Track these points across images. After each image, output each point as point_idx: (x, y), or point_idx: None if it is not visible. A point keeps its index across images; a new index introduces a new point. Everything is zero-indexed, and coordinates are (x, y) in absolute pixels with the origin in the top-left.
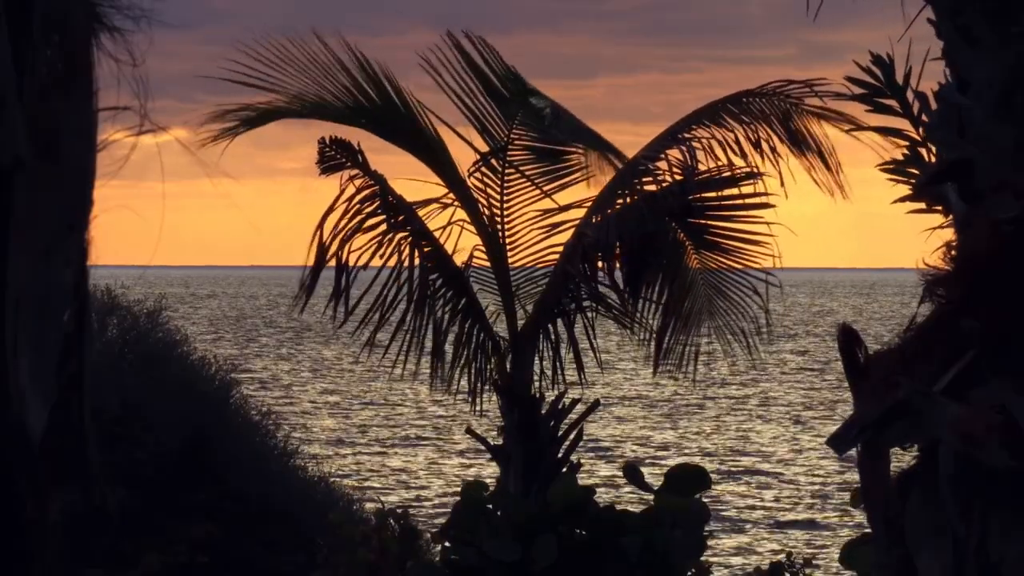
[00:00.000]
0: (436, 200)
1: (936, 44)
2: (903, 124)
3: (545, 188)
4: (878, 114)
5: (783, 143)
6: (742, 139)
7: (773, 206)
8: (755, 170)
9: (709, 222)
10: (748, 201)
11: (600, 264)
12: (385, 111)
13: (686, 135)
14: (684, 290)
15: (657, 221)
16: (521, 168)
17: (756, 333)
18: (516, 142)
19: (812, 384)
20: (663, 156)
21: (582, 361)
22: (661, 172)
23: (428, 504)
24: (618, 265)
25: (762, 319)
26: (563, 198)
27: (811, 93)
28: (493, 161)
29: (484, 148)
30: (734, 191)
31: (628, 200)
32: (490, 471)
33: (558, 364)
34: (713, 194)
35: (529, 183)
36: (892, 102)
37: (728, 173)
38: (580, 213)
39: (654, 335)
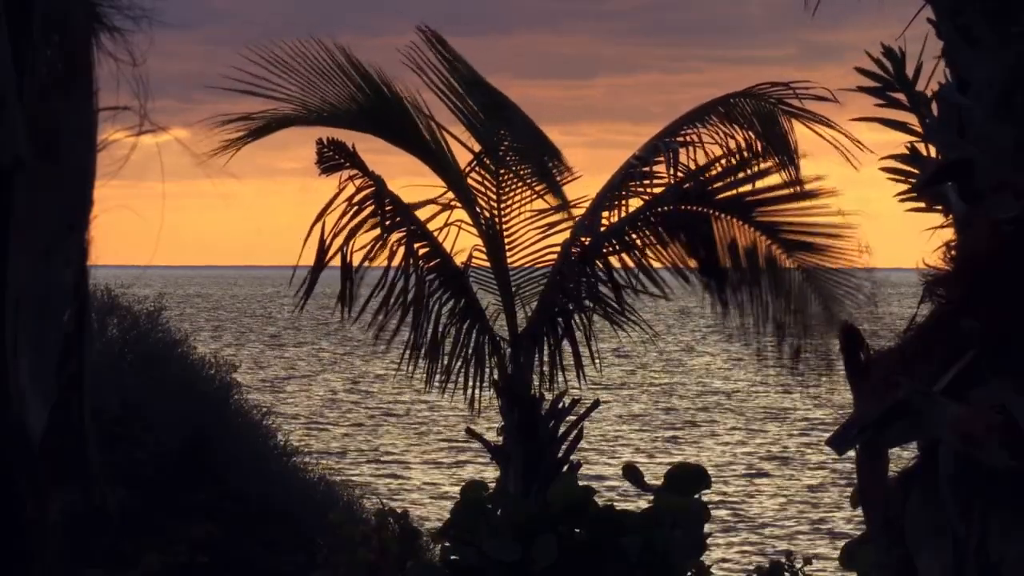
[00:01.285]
0: (435, 201)
1: (937, 44)
2: (909, 118)
3: (537, 188)
4: (886, 108)
5: (761, 142)
6: (737, 139)
7: (834, 192)
8: (762, 166)
9: (775, 217)
10: (804, 189)
11: (597, 265)
12: (386, 114)
13: (677, 138)
14: (790, 298)
15: (692, 216)
16: (513, 168)
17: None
18: (504, 143)
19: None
20: (655, 160)
21: (582, 360)
22: (656, 174)
23: (428, 504)
24: (690, 264)
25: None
26: (559, 197)
27: (793, 95)
28: (487, 161)
29: (477, 148)
30: (782, 178)
31: (624, 204)
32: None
33: (558, 364)
34: (766, 183)
35: (523, 183)
36: (901, 95)
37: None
38: (578, 212)
39: (780, 348)
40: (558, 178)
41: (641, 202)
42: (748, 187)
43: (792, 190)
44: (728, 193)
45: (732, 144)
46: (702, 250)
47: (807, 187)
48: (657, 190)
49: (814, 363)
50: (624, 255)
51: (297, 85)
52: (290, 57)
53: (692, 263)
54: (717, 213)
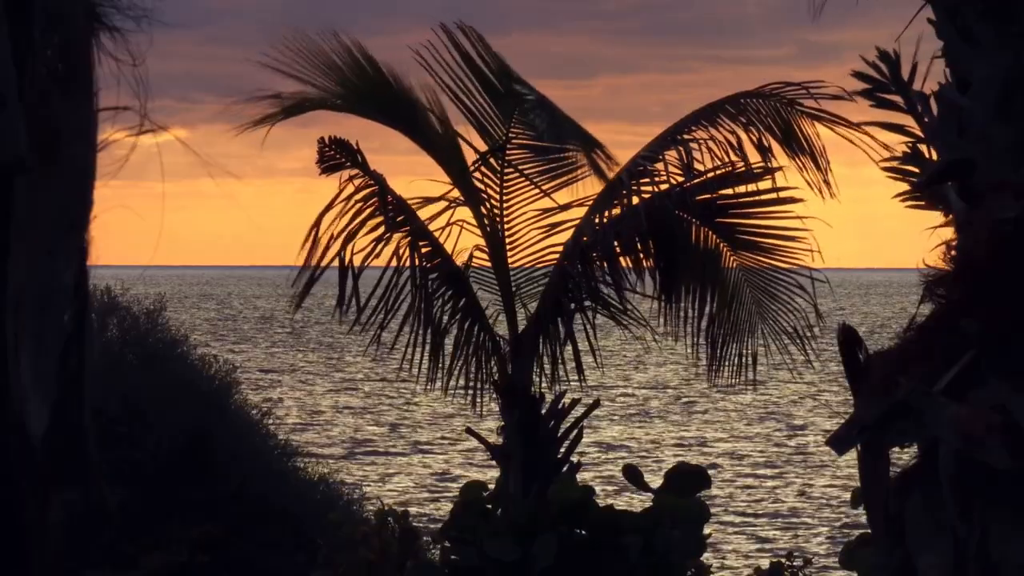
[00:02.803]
0: (441, 198)
1: (938, 43)
2: (906, 120)
3: (544, 187)
4: (882, 109)
5: (779, 144)
6: (744, 139)
7: (802, 200)
8: (771, 165)
9: (738, 220)
10: (775, 196)
11: (602, 263)
12: (402, 105)
13: (684, 136)
14: (727, 294)
15: (672, 221)
16: (519, 167)
17: (807, 332)
18: (514, 141)
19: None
20: (661, 157)
21: (581, 361)
22: (660, 173)
23: (428, 504)
24: (648, 267)
25: (810, 317)
26: (562, 197)
27: (807, 95)
28: (492, 160)
29: (483, 147)
30: (754, 187)
31: (626, 202)
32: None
33: (559, 363)
34: (733, 191)
35: (527, 182)
36: (897, 98)
37: (743, 168)
38: (580, 212)
39: (706, 344)
40: (607, 166)
41: (637, 200)
42: (729, 190)
43: (773, 195)
44: (705, 196)
45: (748, 144)
46: (662, 251)
47: (782, 195)
48: (663, 187)
49: (737, 360)
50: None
51: (319, 69)
52: (312, 45)
53: (649, 262)
54: (688, 217)
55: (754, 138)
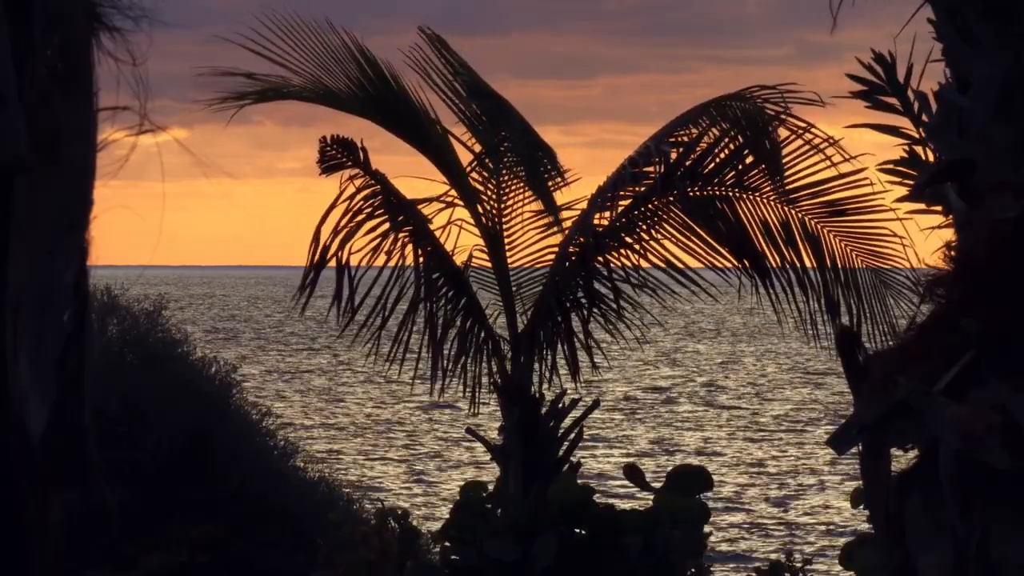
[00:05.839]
0: (438, 198)
1: (936, 44)
2: (902, 122)
3: (538, 189)
4: (877, 111)
5: (750, 148)
6: (729, 141)
7: (836, 139)
8: (778, 164)
9: (789, 184)
10: (806, 144)
11: (601, 262)
12: (394, 106)
13: (670, 139)
14: (838, 271)
15: (710, 203)
16: (513, 169)
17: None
18: (506, 144)
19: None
20: (649, 165)
21: (578, 359)
22: (649, 173)
23: (428, 504)
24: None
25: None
26: (563, 198)
27: (781, 99)
28: (488, 161)
29: (478, 148)
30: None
31: (619, 205)
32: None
33: (566, 361)
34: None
35: (523, 183)
36: (893, 100)
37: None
38: (574, 213)
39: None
40: (551, 184)
41: (630, 201)
42: (747, 159)
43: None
44: (731, 173)
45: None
46: (734, 236)
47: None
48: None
49: (878, 338)
50: (639, 246)
51: (309, 61)
52: (304, 32)
53: (726, 252)
54: (738, 193)
55: (731, 141)
